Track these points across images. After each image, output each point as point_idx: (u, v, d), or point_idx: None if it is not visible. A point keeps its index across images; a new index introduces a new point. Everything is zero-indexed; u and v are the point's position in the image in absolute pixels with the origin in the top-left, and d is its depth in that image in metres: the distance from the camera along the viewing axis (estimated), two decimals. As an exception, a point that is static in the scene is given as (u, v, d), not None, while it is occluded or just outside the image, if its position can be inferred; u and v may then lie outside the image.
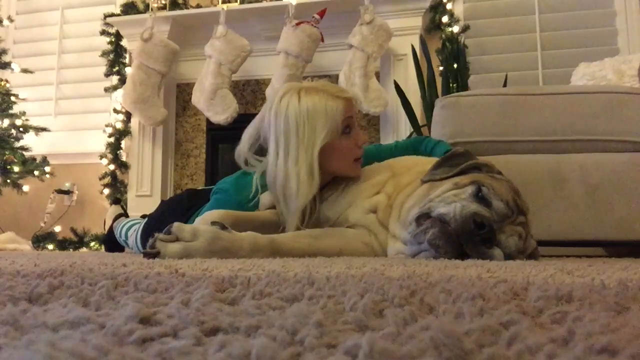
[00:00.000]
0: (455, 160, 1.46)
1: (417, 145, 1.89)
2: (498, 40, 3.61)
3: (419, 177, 1.47)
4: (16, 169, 3.74)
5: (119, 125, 3.92)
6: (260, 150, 1.64)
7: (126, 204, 3.69)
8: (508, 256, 1.25)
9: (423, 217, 1.30)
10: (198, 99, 3.59)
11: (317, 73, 3.41)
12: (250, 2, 3.68)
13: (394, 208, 1.46)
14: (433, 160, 1.55)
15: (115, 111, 3.95)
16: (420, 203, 1.35)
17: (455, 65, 3.28)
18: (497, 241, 1.23)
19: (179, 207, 1.89)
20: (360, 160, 1.63)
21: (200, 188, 2.63)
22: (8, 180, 3.71)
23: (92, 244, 3.77)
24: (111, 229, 2.50)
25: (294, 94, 1.55)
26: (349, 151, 1.59)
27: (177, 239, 1.16)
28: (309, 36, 3.37)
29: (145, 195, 3.82)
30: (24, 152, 3.81)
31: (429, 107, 3.06)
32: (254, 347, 0.24)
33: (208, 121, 3.69)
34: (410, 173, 1.54)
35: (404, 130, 3.40)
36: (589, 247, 2.32)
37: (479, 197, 1.27)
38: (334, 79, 3.42)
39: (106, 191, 3.88)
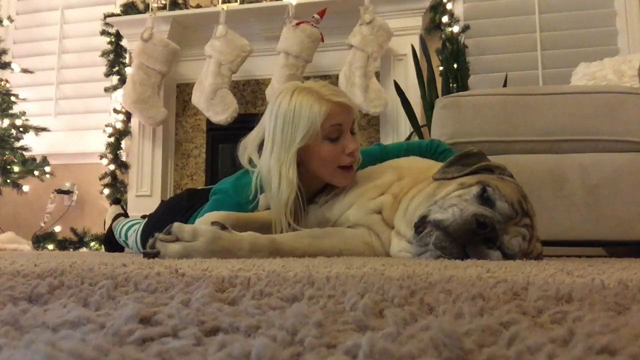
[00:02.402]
0: (468, 160, 1.46)
1: (427, 149, 1.83)
2: (498, 40, 3.61)
3: (427, 179, 1.47)
4: (16, 169, 3.74)
5: (119, 125, 3.92)
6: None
7: (126, 204, 3.69)
8: (512, 257, 1.25)
9: (422, 222, 1.30)
10: (198, 99, 3.58)
11: (317, 73, 3.42)
12: (250, 2, 3.68)
13: (400, 205, 1.46)
14: (439, 164, 1.54)
15: (115, 111, 3.95)
16: (427, 202, 1.35)
17: (455, 65, 3.28)
18: (500, 242, 1.23)
19: (179, 207, 1.89)
20: (351, 168, 1.59)
21: (200, 188, 2.63)
22: (8, 180, 3.71)
23: (92, 244, 3.77)
24: (111, 229, 2.50)
25: (288, 92, 1.56)
26: (332, 158, 1.55)
27: (177, 239, 1.16)
28: (309, 36, 3.37)
29: (145, 195, 3.82)
30: (24, 152, 3.82)
31: (429, 107, 3.06)
32: (254, 347, 0.24)
33: (208, 121, 3.69)
34: (417, 175, 1.54)
35: (404, 130, 3.40)
36: (589, 247, 2.32)
37: (484, 197, 1.27)
38: (334, 79, 3.42)
39: (106, 191, 3.88)
